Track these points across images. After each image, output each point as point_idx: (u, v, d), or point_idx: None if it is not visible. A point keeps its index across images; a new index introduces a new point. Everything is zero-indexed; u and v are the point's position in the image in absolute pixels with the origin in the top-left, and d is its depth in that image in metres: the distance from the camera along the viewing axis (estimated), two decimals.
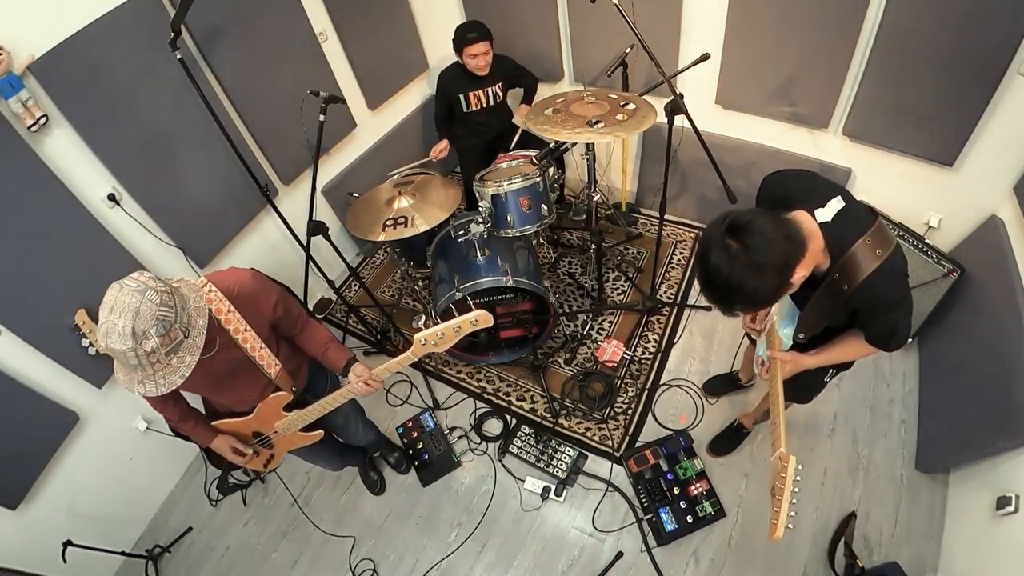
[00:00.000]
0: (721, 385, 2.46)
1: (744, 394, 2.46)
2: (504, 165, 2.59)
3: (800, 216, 1.18)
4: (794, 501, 1.16)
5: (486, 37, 2.69)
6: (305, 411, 1.62)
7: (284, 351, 1.59)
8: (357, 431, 2.09)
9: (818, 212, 1.18)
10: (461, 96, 2.89)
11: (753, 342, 2.02)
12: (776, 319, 1.56)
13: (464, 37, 2.67)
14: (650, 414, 2.46)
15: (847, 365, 1.59)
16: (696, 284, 2.94)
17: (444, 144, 3.09)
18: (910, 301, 1.23)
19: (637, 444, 2.37)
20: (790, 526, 1.13)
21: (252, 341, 1.41)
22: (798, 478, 1.19)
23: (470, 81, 2.85)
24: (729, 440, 2.27)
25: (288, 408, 1.62)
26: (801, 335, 1.40)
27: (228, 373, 1.45)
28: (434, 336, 1.38)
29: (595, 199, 2.51)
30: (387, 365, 1.50)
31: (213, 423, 1.63)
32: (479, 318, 1.37)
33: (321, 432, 1.77)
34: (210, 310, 1.30)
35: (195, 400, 1.66)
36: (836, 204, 1.18)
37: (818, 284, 1.24)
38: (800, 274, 1.12)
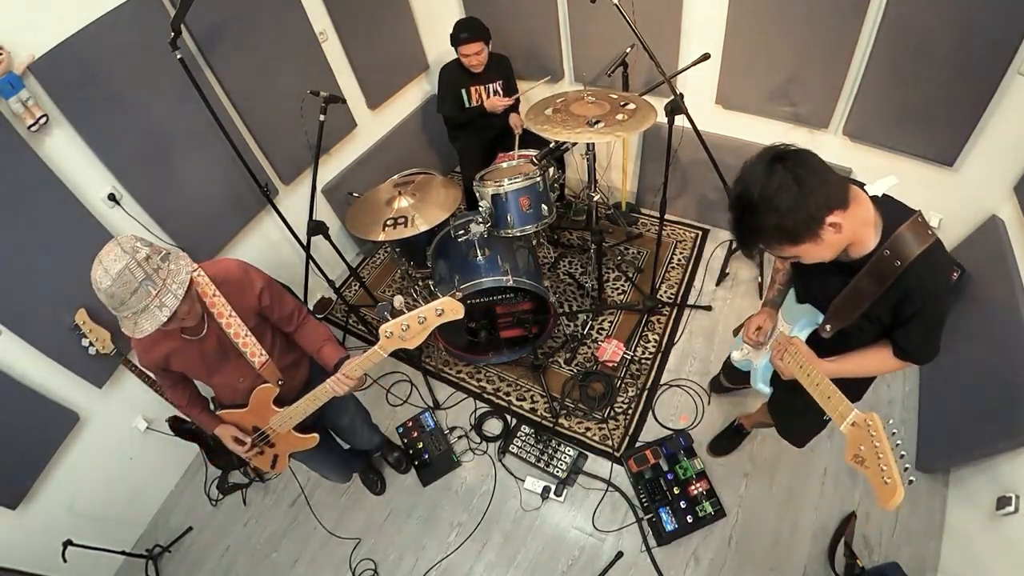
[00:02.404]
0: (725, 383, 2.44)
1: (744, 394, 2.45)
2: (504, 165, 2.59)
3: (848, 181, 1.11)
4: (903, 454, 1.06)
5: (479, 37, 2.67)
6: (293, 407, 1.62)
7: (278, 346, 1.62)
8: (363, 434, 2.09)
9: (866, 187, 1.13)
10: (463, 91, 2.89)
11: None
12: (786, 327, 1.53)
13: (457, 36, 2.68)
14: (650, 414, 2.46)
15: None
16: (696, 283, 2.94)
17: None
18: (949, 306, 1.18)
19: (637, 444, 2.37)
20: (907, 482, 1.02)
21: (237, 328, 1.46)
22: (894, 432, 1.09)
23: (470, 76, 2.84)
24: (729, 440, 2.27)
25: (279, 405, 1.63)
26: (828, 327, 1.28)
27: (218, 357, 1.51)
28: (398, 327, 1.32)
29: (595, 199, 2.51)
30: (358, 362, 1.45)
31: (218, 412, 1.68)
32: (444, 307, 1.29)
33: (316, 436, 1.77)
34: (196, 292, 1.36)
35: (204, 390, 1.70)
36: (886, 182, 1.12)
37: (853, 272, 1.16)
38: (830, 233, 1.04)
